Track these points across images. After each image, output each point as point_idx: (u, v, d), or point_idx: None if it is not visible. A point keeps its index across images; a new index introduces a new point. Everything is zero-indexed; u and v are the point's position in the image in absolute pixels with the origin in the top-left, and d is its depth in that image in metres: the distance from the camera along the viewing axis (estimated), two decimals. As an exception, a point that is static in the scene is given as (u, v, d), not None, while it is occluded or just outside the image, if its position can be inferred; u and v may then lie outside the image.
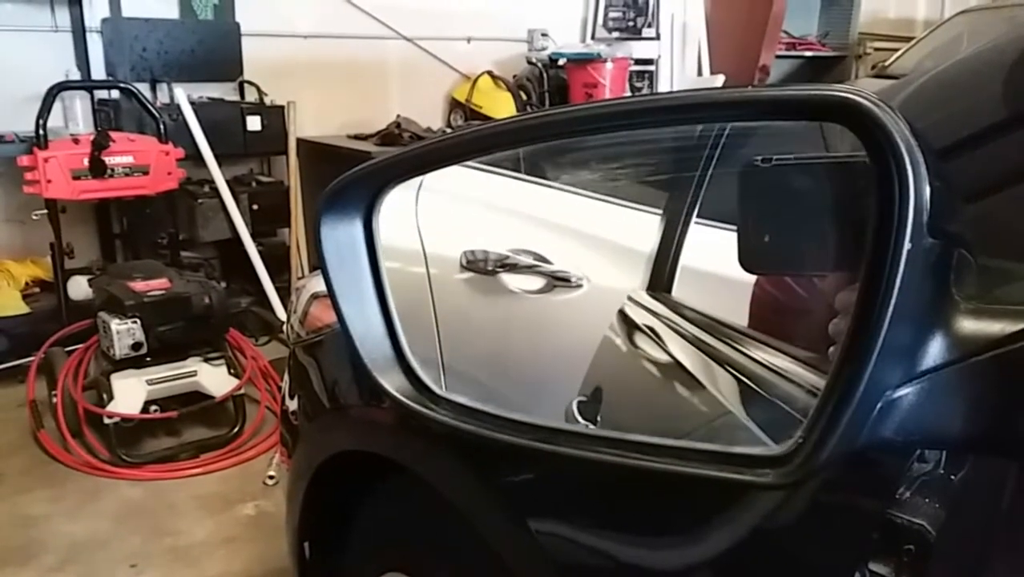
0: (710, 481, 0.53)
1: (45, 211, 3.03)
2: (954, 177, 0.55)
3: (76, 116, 3.28)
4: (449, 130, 4.33)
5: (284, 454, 1.54)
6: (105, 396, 2.62)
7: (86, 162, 2.94)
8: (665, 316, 0.82)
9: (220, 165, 3.54)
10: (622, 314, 0.86)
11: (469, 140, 0.72)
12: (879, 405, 0.47)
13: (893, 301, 0.45)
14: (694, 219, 0.86)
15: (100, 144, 2.94)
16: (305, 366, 1.34)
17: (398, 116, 4.09)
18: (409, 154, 0.72)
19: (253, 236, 3.63)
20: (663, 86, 4.87)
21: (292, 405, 1.41)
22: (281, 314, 3.49)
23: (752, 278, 0.68)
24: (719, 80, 4.79)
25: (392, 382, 0.72)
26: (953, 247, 0.49)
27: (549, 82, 4.70)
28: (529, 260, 0.89)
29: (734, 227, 0.56)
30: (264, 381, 2.98)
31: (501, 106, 4.46)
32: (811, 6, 6.67)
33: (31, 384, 2.84)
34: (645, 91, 4.81)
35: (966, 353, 0.48)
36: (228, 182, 3.60)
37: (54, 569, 2.13)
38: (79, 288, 3.08)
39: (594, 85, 4.52)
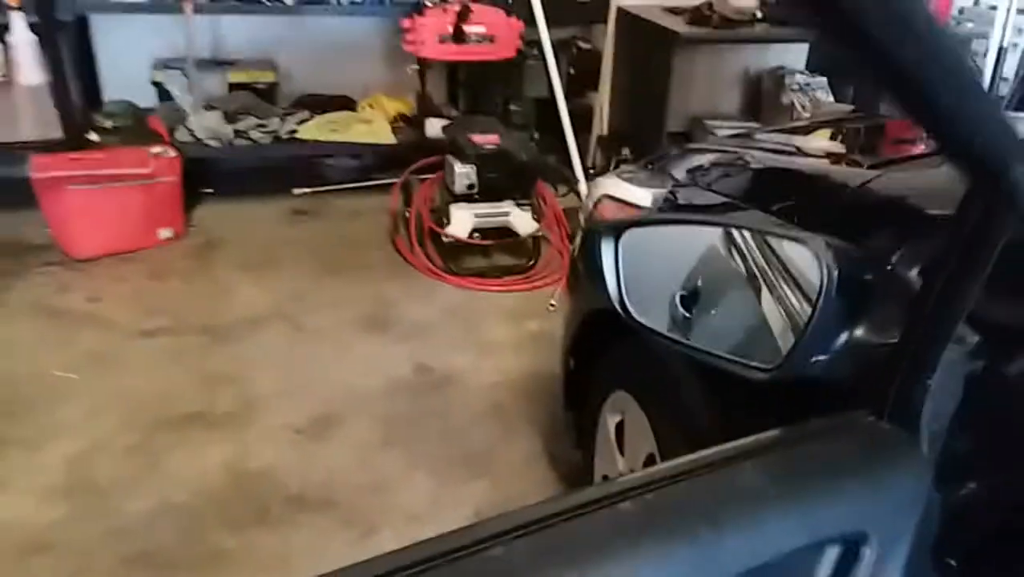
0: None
1: (417, 67, 3.81)
2: None
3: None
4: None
5: (567, 289, 2.15)
6: (444, 220, 3.44)
7: (450, 29, 3.62)
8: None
9: (548, 30, 3.96)
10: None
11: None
12: None
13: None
14: None
15: (463, 15, 3.59)
16: (587, 241, 1.91)
17: (716, -9, 4.17)
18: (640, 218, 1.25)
19: (565, 97, 4.05)
20: None
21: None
22: (579, 172, 4.05)
23: None
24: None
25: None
26: None
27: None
28: None
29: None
30: (557, 227, 3.65)
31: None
32: None
33: (394, 199, 3.74)
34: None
35: None
36: (552, 44, 3.99)
37: (401, 339, 2.99)
38: (433, 128, 3.89)
39: None
